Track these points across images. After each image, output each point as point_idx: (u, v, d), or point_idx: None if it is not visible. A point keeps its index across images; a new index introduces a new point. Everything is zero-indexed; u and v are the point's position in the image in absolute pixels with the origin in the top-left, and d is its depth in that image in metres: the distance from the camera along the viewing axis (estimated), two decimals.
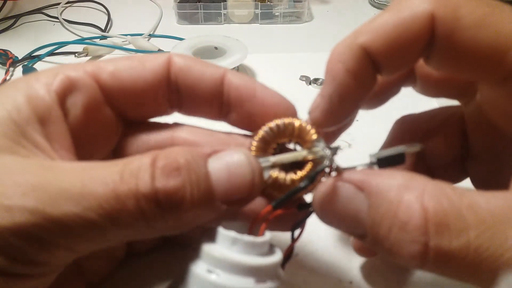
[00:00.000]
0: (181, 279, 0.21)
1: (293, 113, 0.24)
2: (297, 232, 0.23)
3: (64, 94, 0.22)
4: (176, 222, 0.19)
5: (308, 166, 0.23)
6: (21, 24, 0.70)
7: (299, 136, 0.24)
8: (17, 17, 0.71)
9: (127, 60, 0.23)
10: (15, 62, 0.58)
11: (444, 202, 0.17)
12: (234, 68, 0.53)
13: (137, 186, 0.18)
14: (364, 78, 0.21)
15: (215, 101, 0.24)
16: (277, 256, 0.21)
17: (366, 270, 0.30)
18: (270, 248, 0.22)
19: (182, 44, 0.55)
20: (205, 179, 0.19)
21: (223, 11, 0.69)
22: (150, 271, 0.29)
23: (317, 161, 0.23)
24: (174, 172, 0.18)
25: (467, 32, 0.19)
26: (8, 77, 0.56)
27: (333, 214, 0.20)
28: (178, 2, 0.70)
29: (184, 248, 0.29)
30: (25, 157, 0.19)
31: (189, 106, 0.25)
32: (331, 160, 0.22)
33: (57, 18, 0.71)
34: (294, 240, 0.23)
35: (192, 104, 0.25)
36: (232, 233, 0.20)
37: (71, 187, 0.18)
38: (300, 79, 0.55)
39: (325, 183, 0.20)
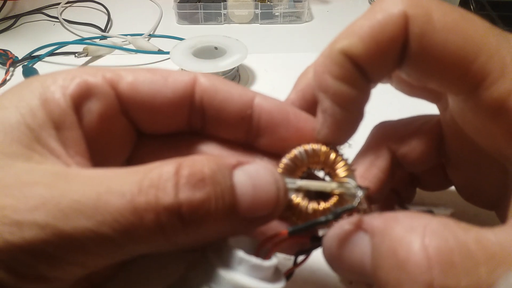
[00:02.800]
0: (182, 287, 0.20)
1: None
2: (300, 257, 0.22)
3: (80, 99, 0.21)
4: (196, 237, 0.18)
5: (333, 200, 0.22)
6: (21, 24, 0.70)
7: (331, 167, 0.23)
8: (17, 17, 0.71)
9: (149, 72, 0.23)
10: (15, 62, 0.58)
11: (449, 238, 0.16)
12: (234, 68, 0.53)
13: (157, 198, 0.17)
14: (354, 81, 0.21)
15: (243, 124, 0.23)
16: (281, 284, 0.20)
17: None
18: (275, 272, 0.21)
19: (182, 44, 0.55)
20: (230, 192, 0.18)
21: (223, 11, 0.69)
22: (151, 271, 0.29)
23: (344, 197, 0.22)
24: (199, 183, 0.17)
25: (438, 35, 0.19)
26: (8, 77, 0.55)
27: (341, 260, 0.19)
28: (178, 2, 0.70)
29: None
30: (39, 164, 0.19)
31: (213, 128, 0.24)
32: (362, 202, 0.21)
33: (57, 18, 0.71)
34: (296, 265, 0.22)
35: (217, 126, 0.24)
36: (240, 253, 0.19)
37: (85, 199, 0.17)
38: None
39: (338, 227, 0.19)
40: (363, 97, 0.22)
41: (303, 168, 0.23)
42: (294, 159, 0.23)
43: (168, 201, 0.17)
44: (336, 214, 0.20)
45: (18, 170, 0.18)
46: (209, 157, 0.19)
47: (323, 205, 0.22)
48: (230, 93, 0.23)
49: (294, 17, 0.72)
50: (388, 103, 0.47)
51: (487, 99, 0.19)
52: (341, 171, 0.23)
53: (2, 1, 0.71)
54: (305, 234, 0.21)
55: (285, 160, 0.23)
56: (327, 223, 0.21)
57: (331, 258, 0.20)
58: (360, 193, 0.22)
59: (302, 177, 0.23)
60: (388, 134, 0.27)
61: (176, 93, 0.22)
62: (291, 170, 0.23)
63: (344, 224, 0.19)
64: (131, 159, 0.24)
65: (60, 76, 0.21)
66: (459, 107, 0.22)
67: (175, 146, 0.24)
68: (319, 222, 0.21)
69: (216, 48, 0.55)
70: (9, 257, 0.16)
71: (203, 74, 0.23)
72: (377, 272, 0.17)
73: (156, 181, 0.17)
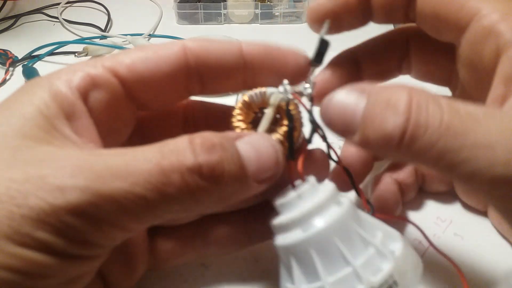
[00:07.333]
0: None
1: (306, 61, 0.26)
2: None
3: (86, 90, 0.22)
4: (218, 196, 0.20)
5: (283, 125, 0.24)
6: (21, 24, 0.70)
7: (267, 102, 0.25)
8: (17, 17, 0.71)
9: (141, 51, 0.24)
10: (15, 62, 0.58)
11: (429, 96, 0.19)
12: None
13: (180, 161, 0.19)
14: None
15: (238, 75, 0.25)
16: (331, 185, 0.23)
17: None
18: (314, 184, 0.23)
19: None
20: (237, 157, 0.20)
21: (223, 11, 0.69)
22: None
23: (280, 107, 0.24)
24: (211, 149, 0.19)
25: None
26: (8, 77, 0.56)
27: (333, 108, 0.21)
28: (178, 2, 0.70)
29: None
30: (60, 148, 0.20)
31: (213, 85, 0.26)
32: (295, 88, 0.24)
33: (57, 18, 0.71)
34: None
35: (216, 82, 0.26)
36: (293, 193, 0.22)
37: (116, 165, 0.18)
38: None
39: (344, 91, 0.22)
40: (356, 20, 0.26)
41: (255, 108, 0.25)
42: (250, 99, 0.25)
43: (190, 163, 0.19)
44: (289, 115, 0.24)
45: (45, 149, 0.19)
46: (213, 132, 0.21)
47: (279, 131, 0.24)
48: (221, 50, 0.25)
49: (294, 17, 0.72)
50: None
51: (479, 28, 0.22)
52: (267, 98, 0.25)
53: (2, 1, 0.71)
54: (303, 151, 0.24)
55: (243, 98, 0.25)
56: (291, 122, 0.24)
57: (324, 106, 0.22)
58: (286, 85, 0.24)
59: (256, 119, 0.25)
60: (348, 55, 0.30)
61: (170, 64, 0.24)
62: (248, 108, 0.25)
63: (349, 89, 0.21)
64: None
65: (63, 72, 0.22)
66: (464, 53, 0.24)
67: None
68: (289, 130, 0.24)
69: None
70: (56, 219, 0.17)
71: (190, 38, 0.25)
72: (367, 116, 0.20)
73: (175, 149, 0.19)
